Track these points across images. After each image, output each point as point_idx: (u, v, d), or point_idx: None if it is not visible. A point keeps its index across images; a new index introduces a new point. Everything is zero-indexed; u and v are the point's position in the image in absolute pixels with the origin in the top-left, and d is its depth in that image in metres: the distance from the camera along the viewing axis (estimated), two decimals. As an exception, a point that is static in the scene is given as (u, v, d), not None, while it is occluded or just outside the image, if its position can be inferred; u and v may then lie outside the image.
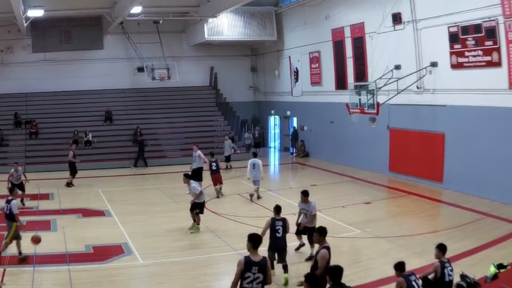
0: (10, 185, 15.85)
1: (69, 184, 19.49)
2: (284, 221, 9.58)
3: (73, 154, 19.96)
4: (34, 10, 22.38)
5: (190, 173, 15.09)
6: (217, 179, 17.19)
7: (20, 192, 15.51)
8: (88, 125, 26.03)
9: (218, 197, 16.80)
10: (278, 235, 9.43)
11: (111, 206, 15.76)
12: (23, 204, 15.76)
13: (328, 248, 7.35)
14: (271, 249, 9.36)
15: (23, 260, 10.57)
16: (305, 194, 10.91)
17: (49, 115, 26.71)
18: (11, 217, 10.75)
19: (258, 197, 16.32)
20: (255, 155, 18.24)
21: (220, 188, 17.09)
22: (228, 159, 23.07)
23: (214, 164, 17.23)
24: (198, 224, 12.87)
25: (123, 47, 28.57)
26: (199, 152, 17.84)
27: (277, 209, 9.80)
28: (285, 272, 9.29)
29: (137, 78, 28.50)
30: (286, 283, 9.14)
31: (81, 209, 15.39)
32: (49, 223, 13.71)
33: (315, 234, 7.67)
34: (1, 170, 22.15)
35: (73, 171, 19.78)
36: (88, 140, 25.06)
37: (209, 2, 24.46)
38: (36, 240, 10.51)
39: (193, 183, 13.04)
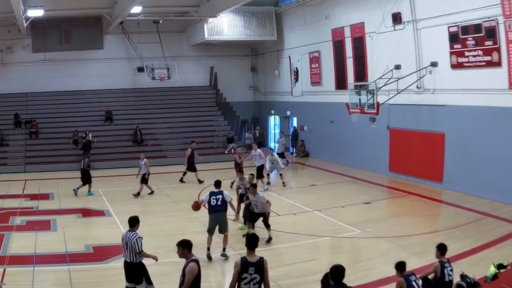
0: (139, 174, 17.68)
1: (200, 181, 19.53)
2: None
3: (192, 151, 19.95)
4: (34, 10, 22.39)
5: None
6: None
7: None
8: (88, 125, 26.00)
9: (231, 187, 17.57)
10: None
11: (111, 206, 15.76)
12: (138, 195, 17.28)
13: (196, 261, 6.63)
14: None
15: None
16: (253, 186, 12.11)
17: (49, 115, 26.71)
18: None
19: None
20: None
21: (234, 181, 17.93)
22: (281, 156, 23.01)
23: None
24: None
25: (123, 47, 28.58)
26: (259, 151, 18.71)
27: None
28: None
29: (137, 78, 28.52)
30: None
31: (81, 209, 15.39)
32: (49, 223, 13.70)
33: (178, 247, 6.88)
34: (1, 170, 22.31)
35: (191, 168, 19.82)
36: (88, 140, 25.03)
37: (209, 2, 24.48)
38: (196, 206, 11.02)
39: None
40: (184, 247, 6.76)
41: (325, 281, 6.15)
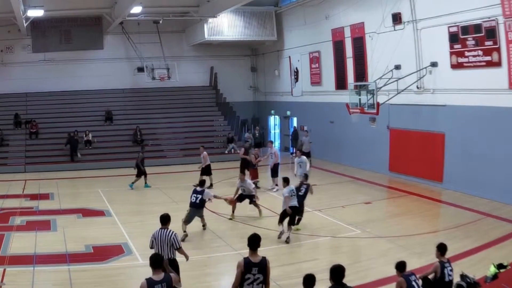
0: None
1: (256, 185, 18.74)
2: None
3: (245, 151, 19.73)
4: (34, 10, 22.38)
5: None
6: (253, 174, 18.03)
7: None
8: (88, 125, 26.02)
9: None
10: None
11: (111, 206, 15.75)
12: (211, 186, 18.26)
13: (147, 279, 6.24)
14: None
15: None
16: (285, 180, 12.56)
17: (49, 115, 26.69)
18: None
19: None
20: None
21: (255, 183, 17.54)
22: (307, 155, 22.78)
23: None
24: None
25: (123, 47, 28.57)
26: (274, 149, 18.94)
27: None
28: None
29: (137, 78, 28.51)
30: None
31: (81, 209, 15.39)
32: (49, 223, 13.69)
33: None
34: (1, 170, 22.31)
35: (244, 167, 19.14)
36: (88, 140, 25.06)
37: (209, 2, 24.48)
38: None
39: (248, 180, 14.17)
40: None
41: (306, 282, 6.10)
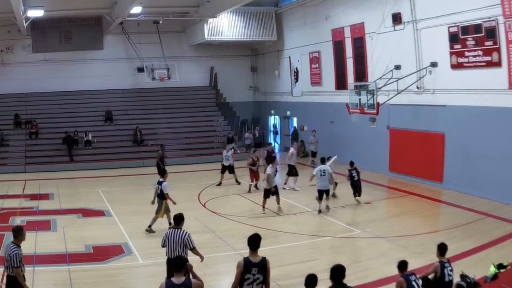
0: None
1: (256, 186, 18.03)
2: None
3: (268, 153, 19.49)
4: (34, 10, 22.38)
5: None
6: (253, 175, 18.08)
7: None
8: (88, 125, 26.02)
9: (249, 191, 17.73)
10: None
11: (111, 206, 15.76)
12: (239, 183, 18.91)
13: (166, 280, 6.12)
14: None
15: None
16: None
17: (49, 115, 26.70)
18: (162, 195, 12.68)
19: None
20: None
21: (255, 184, 17.98)
22: (314, 155, 22.95)
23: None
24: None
25: (123, 47, 28.58)
26: (292, 149, 19.21)
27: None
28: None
29: (137, 78, 28.52)
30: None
31: (81, 209, 15.40)
32: (49, 223, 13.70)
33: None
34: (1, 170, 22.31)
35: (269, 163, 18.64)
36: (88, 140, 25.05)
37: (209, 2, 24.48)
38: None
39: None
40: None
41: (308, 282, 6.10)
